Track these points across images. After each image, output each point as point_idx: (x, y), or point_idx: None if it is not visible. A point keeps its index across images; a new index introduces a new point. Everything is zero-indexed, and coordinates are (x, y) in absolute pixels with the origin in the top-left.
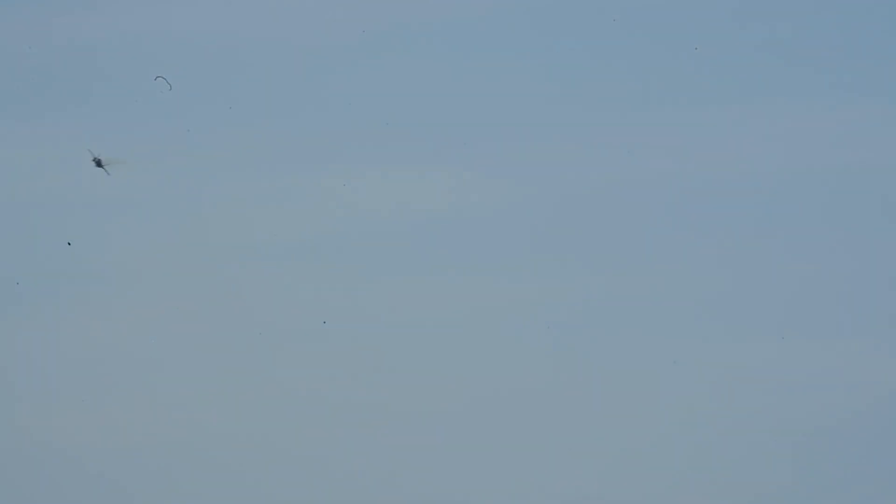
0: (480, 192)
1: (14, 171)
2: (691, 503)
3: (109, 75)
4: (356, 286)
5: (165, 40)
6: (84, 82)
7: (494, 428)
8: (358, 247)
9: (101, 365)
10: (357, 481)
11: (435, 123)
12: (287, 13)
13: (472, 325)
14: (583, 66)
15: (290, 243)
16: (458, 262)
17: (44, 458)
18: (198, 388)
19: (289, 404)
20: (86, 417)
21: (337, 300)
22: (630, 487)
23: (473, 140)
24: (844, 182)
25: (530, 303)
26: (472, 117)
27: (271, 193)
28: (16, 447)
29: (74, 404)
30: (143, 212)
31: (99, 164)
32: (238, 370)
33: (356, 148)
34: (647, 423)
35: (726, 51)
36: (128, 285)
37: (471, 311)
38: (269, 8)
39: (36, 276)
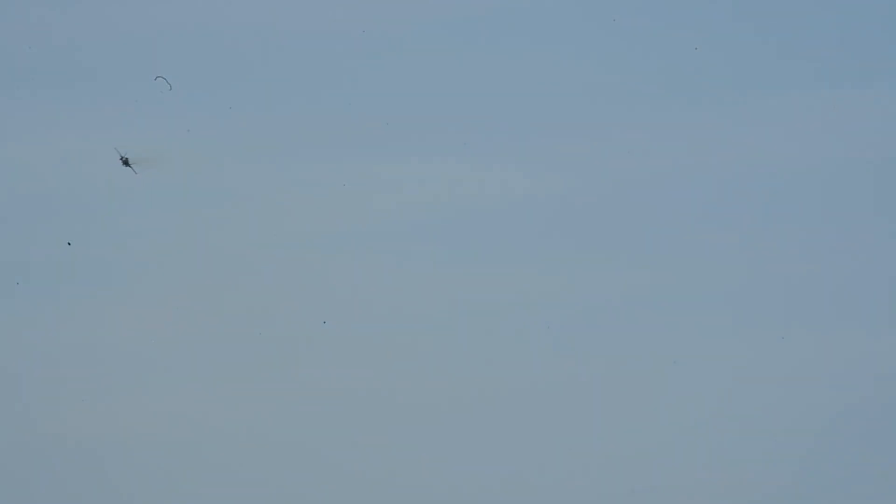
0: (481, 189)
1: (14, 170)
2: (693, 502)
3: (109, 75)
4: (358, 284)
5: (166, 41)
6: (84, 82)
7: (499, 426)
8: (359, 245)
9: (100, 365)
10: (361, 480)
11: (434, 121)
12: (288, 13)
13: (474, 323)
14: (591, 65)
15: (290, 242)
16: (458, 260)
17: (44, 456)
18: (199, 386)
19: (290, 402)
20: (86, 417)
21: (339, 298)
22: (632, 486)
23: (474, 139)
24: (855, 178)
25: (533, 300)
26: (476, 113)
27: (273, 192)
28: (16, 446)
29: (74, 404)
30: (144, 211)
31: (126, 163)
32: (240, 369)
33: (356, 147)
34: (658, 419)
35: (739, 47)
36: (128, 285)
37: (472, 308)
38: (270, 8)
39: (36, 276)
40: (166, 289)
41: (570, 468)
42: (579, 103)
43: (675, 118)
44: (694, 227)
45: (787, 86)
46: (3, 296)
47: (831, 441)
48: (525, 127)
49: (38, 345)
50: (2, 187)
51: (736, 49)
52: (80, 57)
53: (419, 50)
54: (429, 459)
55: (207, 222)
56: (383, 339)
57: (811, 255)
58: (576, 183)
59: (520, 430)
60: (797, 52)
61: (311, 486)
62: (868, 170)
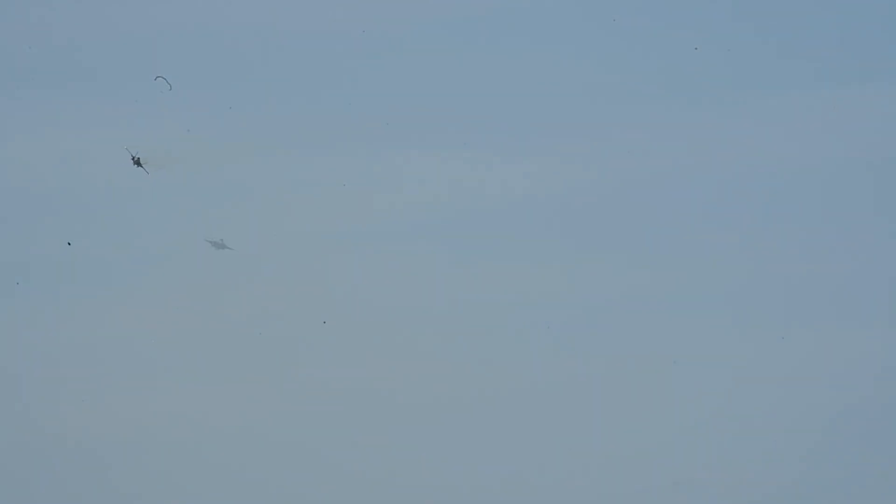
0: (482, 188)
1: (13, 170)
2: (694, 501)
3: (110, 75)
4: (358, 284)
5: (166, 41)
6: (84, 82)
7: (500, 425)
8: (359, 244)
9: (101, 364)
10: (361, 480)
11: (434, 121)
12: (288, 13)
13: (475, 323)
14: (591, 65)
15: (290, 242)
16: (458, 260)
17: (44, 456)
18: (199, 386)
19: (290, 402)
20: (86, 417)
21: (339, 298)
22: (642, 483)
23: (475, 139)
24: (855, 178)
25: (533, 300)
26: (476, 112)
27: (272, 192)
28: (16, 446)
29: (74, 404)
30: (144, 211)
31: (138, 163)
32: (240, 368)
33: (356, 146)
34: (660, 418)
35: (739, 47)
36: (128, 285)
37: (473, 308)
38: (270, 8)
39: (36, 276)
40: (166, 289)
41: (572, 467)
42: (580, 103)
43: (675, 118)
44: (695, 227)
45: (787, 86)
46: (3, 296)
47: (831, 441)
48: (526, 127)
49: (38, 345)
50: (1, 187)
51: (736, 49)
52: (81, 57)
53: (419, 50)
54: (429, 459)
55: (207, 222)
56: (383, 339)
57: (811, 255)
58: (576, 182)
59: (520, 429)
60: (797, 52)
61: (311, 486)
62: (868, 170)
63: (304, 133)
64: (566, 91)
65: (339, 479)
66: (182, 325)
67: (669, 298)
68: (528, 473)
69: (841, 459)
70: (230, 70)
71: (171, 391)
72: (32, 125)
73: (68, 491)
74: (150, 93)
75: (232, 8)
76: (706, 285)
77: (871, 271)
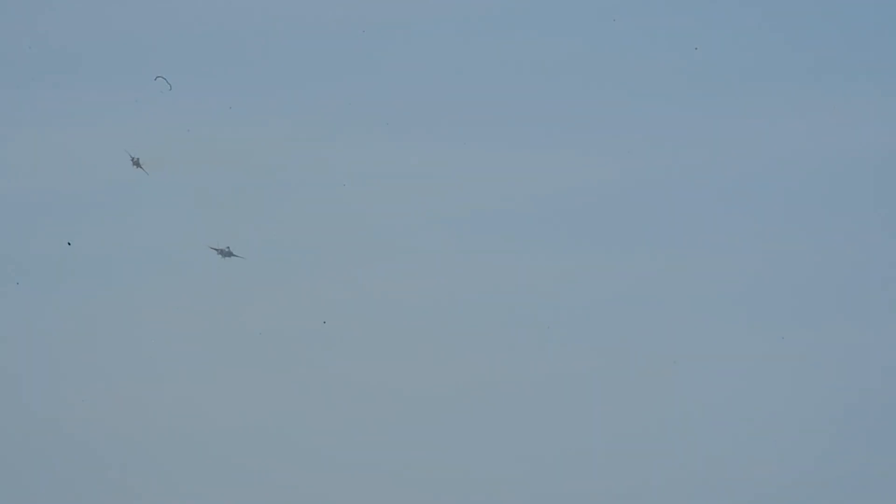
0: (486, 187)
1: (13, 170)
2: (698, 500)
3: (109, 75)
4: (358, 284)
5: (166, 41)
6: (84, 82)
7: (505, 424)
8: (360, 243)
9: (100, 365)
10: (360, 479)
11: (436, 120)
12: (289, 14)
13: (477, 322)
14: (604, 63)
15: (290, 241)
16: (461, 259)
17: (45, 455)
18: (199, 387)
19: (290, 402)
20: (86, 417)
21: (339, 298)
22: (643, 483)
23: (475, 135)
24: (869, 176)
25: (534, 299)
26: (479, 111)
27: (272, 192)
28: (16, 445)
29: (75, 403)
30: (145, 211)
31: (137, 164)
32: (240, 368)
33: (356, 145)
34: (666, 416)
35: (759, 44)
36: (128, 285)
37: (475, 308)
38: (270, 9)
39: (36, 275)
40: (166, 288)
41: (573, 465)
42: (580, 102)
43: (676, 117)
44: (696, 227)
45: (790, 84)
46: (3, 296)
47: (832, 440)
48: (526, 126)
49: (38, 345)
50: (1, 187)
51: (754, 47)
52: (81, 57)
53: (418, 51)
54: (429, 458)
55: (207, 222)
56: (384, 339)
57: (814, 255)
58: (576, 182)
59: (522, 427)
60: (801, 50)
61: (311, 485)
62: (875, 168)
63: (305, 133)
64: (565, 90)
65: (339, 477)
66: (182, 325)
67: (671, 297)
68: (529, 471)
69: (842, 459)
70: (230, 70)
71: (170, 390)
72: (33, 125)
73: (69, 490)
74: (150, 93)
75: (232, 8)
76: (708, 284)
77: (875, 270)
